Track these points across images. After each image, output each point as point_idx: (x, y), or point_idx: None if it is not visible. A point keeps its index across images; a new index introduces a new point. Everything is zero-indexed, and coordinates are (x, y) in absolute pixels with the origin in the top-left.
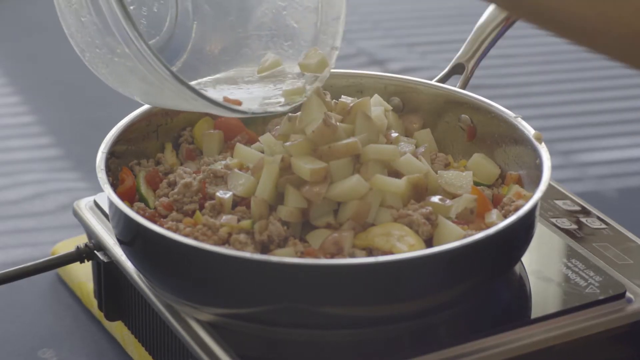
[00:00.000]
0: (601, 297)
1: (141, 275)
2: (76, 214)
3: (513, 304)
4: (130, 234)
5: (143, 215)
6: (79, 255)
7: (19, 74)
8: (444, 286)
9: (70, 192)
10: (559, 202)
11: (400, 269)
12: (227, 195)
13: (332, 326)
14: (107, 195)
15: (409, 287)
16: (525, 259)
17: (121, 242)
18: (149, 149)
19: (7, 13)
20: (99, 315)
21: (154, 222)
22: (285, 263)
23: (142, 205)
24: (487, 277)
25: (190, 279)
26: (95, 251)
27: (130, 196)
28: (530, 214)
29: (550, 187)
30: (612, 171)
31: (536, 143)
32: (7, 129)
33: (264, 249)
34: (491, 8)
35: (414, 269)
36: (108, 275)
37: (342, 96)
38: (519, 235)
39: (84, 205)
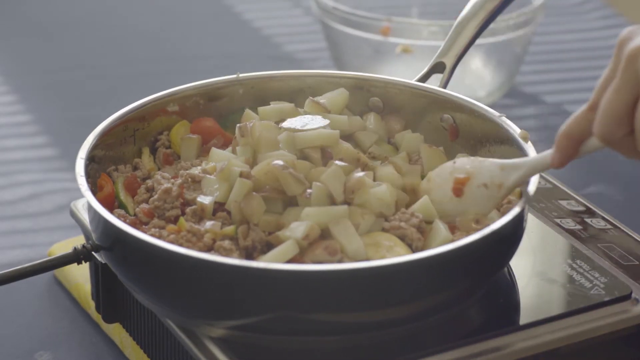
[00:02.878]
0: (606, 299)
1: None
2: (73, 215)
3: (517, 306)
4: (112, 241)
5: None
6: (76, 257)
7: (15, 73)
8: (435, 290)
9: (67, 192)
10: (564, 203)
11: (389, 273)
12: (208, 200)
13: (322, 333)
14: (90, 204)
15: (399, 292)
16: (529, 260)
17: (103, 248)
18: (126, 154)
19: (2, 12)
20: (97, 317)
21: (138, 229)
22: (272, 269)
23: (122, 212)
24: (478, 279)
25: (179, 288)
26: (93, 252)
27: (109, 203)
28: (519, 217)
29: (554, 187)
30: (617, 171)
31: (522, 142)
32: (2, 129)
33: (249, 255)
34: (471, 3)
35: (403, 273)
36: (106, 276)
37: (309, 97)
38: (508, 239)
39: (81, 206)
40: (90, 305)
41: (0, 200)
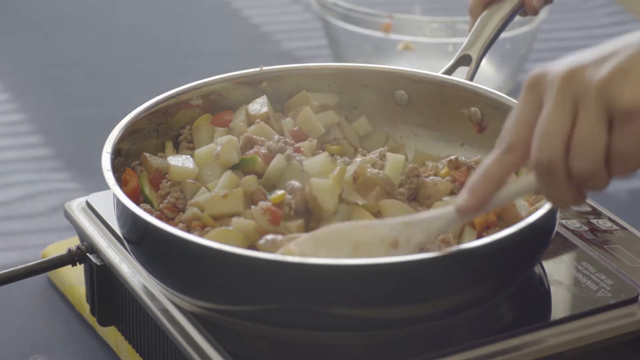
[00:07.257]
0: (613, 302)
1: (135, 278)
2: (67, 216)
3: (520, 310)
4: (141, 235)
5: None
6: (71, 258)
7: (8, 71)
8: (458, 288)
9: (62, 192)
10: None
11: (414, 269)
12: None
13: (350, 328)
14: (119, 199)
15: (422, 289)
16: None
17: (130, 242)
18: (150, 148)
19: None
20: (92, 320)
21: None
22: (299, 263)
23: (148, 207)
24: (503, 279)
25: (207, 280)
26: (88, 254)
27: (134, 197)
28: (552, 211)
29: None
30: None
31: None
32: None
33: None
34: None
35: (427, 269)
36: (101, 278)
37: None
38: (541, 233)
39: (76, 207)
40: (85, 308)
41: None
